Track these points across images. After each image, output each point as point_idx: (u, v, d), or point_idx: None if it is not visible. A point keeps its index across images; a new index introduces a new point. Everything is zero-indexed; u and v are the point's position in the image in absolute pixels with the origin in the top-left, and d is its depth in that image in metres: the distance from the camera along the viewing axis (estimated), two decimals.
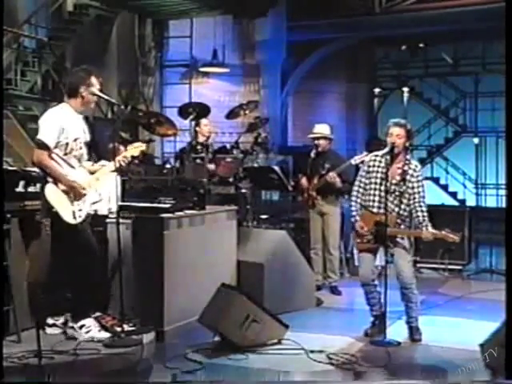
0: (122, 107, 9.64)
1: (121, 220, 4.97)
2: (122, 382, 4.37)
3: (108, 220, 5.70)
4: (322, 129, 7.23)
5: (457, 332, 5.69)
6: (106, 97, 5.01)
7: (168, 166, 8.29)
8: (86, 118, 5.00)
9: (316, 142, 7.18)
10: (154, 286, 5.34)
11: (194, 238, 5.79)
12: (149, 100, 12.32)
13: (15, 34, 9.62)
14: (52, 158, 4.61)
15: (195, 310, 5.36)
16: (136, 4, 11.32)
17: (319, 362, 4.83)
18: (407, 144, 5.44)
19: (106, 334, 4.62)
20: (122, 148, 5.46)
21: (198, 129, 8.13)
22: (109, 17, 11.32)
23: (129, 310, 4.80)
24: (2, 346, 4.16)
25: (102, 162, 5.86)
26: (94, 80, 4.81)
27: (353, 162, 6.75)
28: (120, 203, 5.13)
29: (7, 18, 8.55)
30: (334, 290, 7.27)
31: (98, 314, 5.05)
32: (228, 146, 8.36)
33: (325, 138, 7.17)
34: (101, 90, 4.87)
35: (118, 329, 4.64)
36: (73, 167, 4.75)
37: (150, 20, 12.33)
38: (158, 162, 10.17)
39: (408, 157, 5.49)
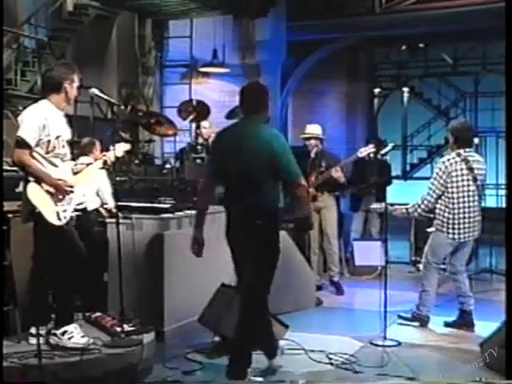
0: (122, 107, 9.64)
1: (121, 220, 4.95)
2: (122, 382, 4.37)
3: (108, 220, 5.72)
4: (313, 129, 7.33)
5: (456, 332, 5.69)
6: (105, 97, 4.98)
7: (168, 166, 8.30)
8: (68, 116, 4.71)
9: (307, 142, 7.28)
10: (154, 286, 5.35)
11: None
12: (149, 100, 12.30)
13: (15, 34, 9.61)
14: (33, 157, 4.32)
15: (195, 309, 5.36)
16: (136, 4, 11.31)
17: (319, 361, 4.83)
18: (451, 139, 5.83)
19: (87, 340, 4.39)
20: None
21: (198, 131, 8.15)
22: (109, 17, 11.30)
23: (129, 311, 4.79)
24: (2, 345, 4.15)
25: (81, 159, 5.84)
26: (76, 77, 4.55)
27: (359, 154, 7.04)
28: (120, 203, 5.11)
29: (7, 18, 8.55)
30: (337, 286, 7.30)
31: (98, 314, 5.06)
32: None
33: (316, 138, 7.25)
34: (80, 87, 4.61)
35: (118, 329, 4.63)
36: (56, 166, 4.43)
37: (150, 20, 12.32)
38: (157, 162, 10.17)
39: (450, 151, 5.84)
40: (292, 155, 4.38)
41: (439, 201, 5.72)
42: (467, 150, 5.71)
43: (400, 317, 5.90)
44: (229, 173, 4.38)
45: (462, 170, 5.63)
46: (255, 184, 4.28)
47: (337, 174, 6.99)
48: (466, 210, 5.64)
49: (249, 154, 4.27)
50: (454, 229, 5.65)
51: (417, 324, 5.87)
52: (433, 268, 5.83)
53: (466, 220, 5.65)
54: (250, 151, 4.27)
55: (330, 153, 7.45)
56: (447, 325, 5.83)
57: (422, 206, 5.77)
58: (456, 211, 5.64)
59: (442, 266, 5.96)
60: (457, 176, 5.62)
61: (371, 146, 7.14)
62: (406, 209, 5.84)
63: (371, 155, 8.44)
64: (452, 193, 5.64)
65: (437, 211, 5.77)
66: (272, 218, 4.35)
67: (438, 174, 5.71)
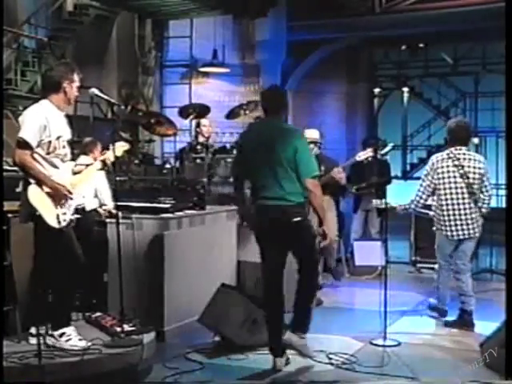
0: (122, 107, 9.64)
1: (121, 220, 4.95)
2: (122, 382, 4.37)
3: (108, 220, 5.72)
4: (310, 134, 7.35)
5: (456, 332, 5.69)
6: (105, 97, 4.97)
7: (168, 166, 8.30)
8: (69, 116, 4.69)
9: None
10: (154, 286, 5.35)
11: (194, 238, 5.79)
12: (149, 100, 12.30)
13: (15, 34, 9.61)
14: (34, 158, 4.29)
15: (195, 310, 5.37)
16: (136, 4, 11.31)
17: (319, 362, 4.83)
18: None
19: (84, 343, 4.39)
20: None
21: (198, 129, 8.16)
22: (109, 17, 11.30)
23: (129, 311, 4.80)
24: (2, 345, 4.15)
25: (81, 158, 5.83)
26: (76, 77, 4.51)
27: (357, 158, 7.06)
28: (120, 203, 5.10)
29: (7, 18, 8.55)
30: (334, 273, 7.35)
31: (98, 314, 5.05)
32: (228, 145, 8.36)
33: (314, 142, 7.27)
34: (80, 87, 4.58)
35: (118, 329, 4.63)
36: (56, 167, 4.42)
37: (150, 20, 12.32)
38: (157, 162, 10.17)
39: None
40: (311, 153, 4.79)
41: (434, 198, 5.86)
42: (458, 147, 5.77)
43: (429, 303, 6.23)
44: (256, 169, 4.70)
45: (448, 166, 5.73)
46: (281, 179, 4.60)
47: (339, 175, 7.02)
48: (456, 206, 5.71)
49: (276, 151, 4.60)
50: (446, 226, 5.77)
51: (436, 314, 6.10)
52: (442, 266, 5.95)
53: (457, 217, 5.71)
54: (277, 148, 4.60)
55: (327, 157, 7.49)
56: (447, 324, 5.84)
57: (415, 202, 5.93)
58: (445, 208, 5.75)
59: (452, 267, 6.01)
60: (443, 173, 5.74)
61: (369, 149, 7.14)
62: (404, 205, 5.99)
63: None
64: (439, 189, 5.78)
65: (433, 208, 5.95)
66: (298, 212, 4.66)
67: (426, 170, 5.90)
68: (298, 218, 4.62)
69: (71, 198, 4.46)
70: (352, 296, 7.35)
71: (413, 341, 5.43)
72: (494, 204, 14.10)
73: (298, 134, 4.76)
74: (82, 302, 5.31)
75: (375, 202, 6.14)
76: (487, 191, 5.82)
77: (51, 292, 4.54)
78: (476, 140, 13.06)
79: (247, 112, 8.33)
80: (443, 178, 5.73)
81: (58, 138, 4.43)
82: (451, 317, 5.90)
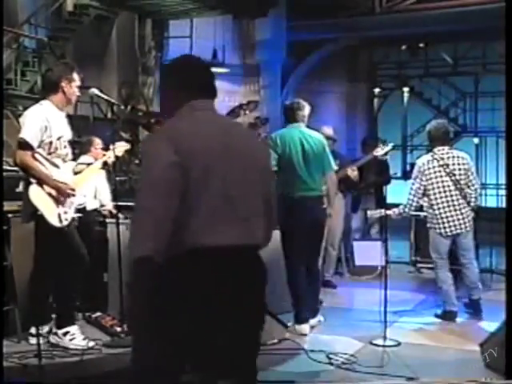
0: (122, 107, 9.64)
1: (121, 220, 4.94)
2: (122, 382, 4.37)
3: (108, 220, 5.72)
4: (327, 131, 7.39)
5: (456, 332, 5.69)
6: (105, 97, 4.97)
7: None
8: (69, 116, 4.71)
9: None
10: None
11: None
12: (149, 100, 12.31)
13: (15, 34, 9.62)
14: (35, 159, 4.29)
15: None
16: (136, 4, 11.32)
17: (319, 361, 4.82)
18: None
19: (90, 343, 4.44)
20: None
21: None
22: (109, 17, 11.32)
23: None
24: (2, 345, 4.15)
25: (82, 158, 5.83)
26: (75, 76, 4.50)
27: (375, 153, 7.34)
28: (120, 203, 5.10)
29: (7, 18, 8.55)
30: (328, 284, 7.34)
31: (98, 314, 5.06)
32: None
33: (330, 139, 7.31)
34: (81, 87, 4.58)
35: (118, 329, 4.63)
36: (57, 167, 4.43)
37: (150, 20, 12.33)
38: None
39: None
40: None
41: (425, 199, 6.00)
42: (440, 148, 5.97)
43: (435, 315, 6.10)
44: (297, 166, 5.41)
45: (434, 167, 5.93)
46: (315, 174, 5.47)
47: (353, 173, 7.16)
48: (445, 204, 5.89)
49: (313, 150, 5.46)
50: (438, 223, 5.92)
51: (445, 320, 6.00)
52: (439, 264, 6.01)
53: (448, 214, 5.89)
54: (313, 148, 5.48)
55: (341, 154, 7.64)
56: (454, 316, 5.94)
57: (408, 206, 6.07)
58: (435, 207, 5.92)
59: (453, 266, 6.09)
60: (429, 174, 5.93)
61: (390, 144, 7.36)
62: (398, 210, 6.09)
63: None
64: (429, 190, 5.95)
65: (425, 209, 6.09)
66: (323, 200, 5.57)
67: (414, 174, 6.07)
68: (325, 205, 5.54)
69: (74, 195, 4.45)
70: (352, 296, 7.35)
71: (413, 341, 5.43)
72: (494, 204, 14.17)
73: (322, 137, 5.69)
74: (82, 302, 5.31)
75: (370, 212, 6.27)
76: (473, 185, 5.99)
77: (55, 291, 4.55)
78: (476, 140, 13.09)
79: (247, 112, 8.35)
80: (430, 178, 5.93)
81: (59, 138, 4.43)
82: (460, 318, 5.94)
